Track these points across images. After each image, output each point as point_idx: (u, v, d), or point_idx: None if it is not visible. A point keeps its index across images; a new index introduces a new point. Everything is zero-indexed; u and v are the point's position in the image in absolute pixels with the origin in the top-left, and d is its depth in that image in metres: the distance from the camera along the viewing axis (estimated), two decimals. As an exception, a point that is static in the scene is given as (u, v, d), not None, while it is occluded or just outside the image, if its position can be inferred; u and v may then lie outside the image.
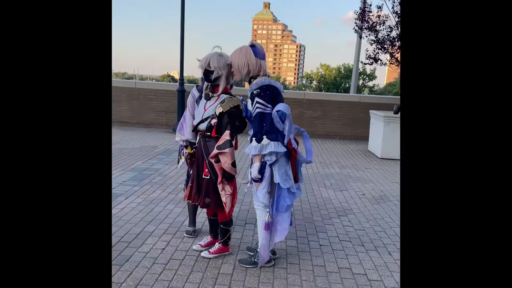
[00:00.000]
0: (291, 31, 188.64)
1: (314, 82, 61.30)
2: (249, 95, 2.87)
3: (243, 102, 2.98)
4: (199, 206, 3.17)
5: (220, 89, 2.95)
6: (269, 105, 2.80)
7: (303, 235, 3.74)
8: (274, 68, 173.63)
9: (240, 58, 2.83)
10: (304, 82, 64.57)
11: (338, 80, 54.86)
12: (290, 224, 3.05)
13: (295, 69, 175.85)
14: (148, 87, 10.62)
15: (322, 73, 59.84)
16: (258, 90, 2.81)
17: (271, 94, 2.82)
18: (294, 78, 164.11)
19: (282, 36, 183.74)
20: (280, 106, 2.80)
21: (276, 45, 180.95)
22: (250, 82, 2.92)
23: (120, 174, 5.49)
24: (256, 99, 2.79)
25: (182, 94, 9.30)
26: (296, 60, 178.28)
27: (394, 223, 4.21)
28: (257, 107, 2.78)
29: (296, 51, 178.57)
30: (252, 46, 2.88)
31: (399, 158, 7.72)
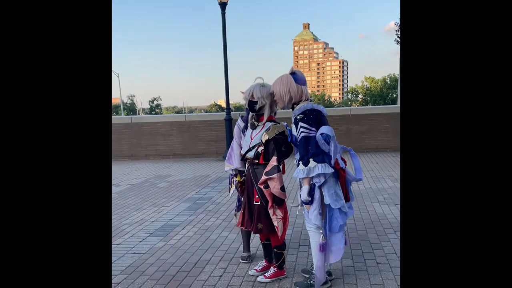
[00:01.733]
0: (332, 48, 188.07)
1: (360, 96, 60.37)
2: (292, 120, 2.96)
3: (287, 127, 3.07)
4: (252, 232, 3.26)
5: (265, 117, 3.06)
6: (313, 128, 2.85)
7: (359, 253, 3.70)
8: (318, 86, 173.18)
9: (281, 87, 2.93)
10: (349, 96, 63.77)
11: (384, 91, 53.70)
12: (345, 244, 3.05)
13: (339, 85, 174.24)
14: (197, 119, 11.04)
15: (367, 86, 58.88)
16: (302, 115, 2.88)
17: (314, 117, 2.88)
18: (339, 94, 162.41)
19: (324, 54, 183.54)
20: (324, 129, 2.85)
21: (318, 64, 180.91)
22: (293, 108, 3.00)
23: (176, 205, 5.72)
24: (300, 123, 2.86)
25: (229, 123, 9.59)
26: (339, 76, 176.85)
27: (455, 235, 4.05)
28: (302, 131, 2.85)
29: (339, 67, 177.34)
30: (293, 73, 2.98)
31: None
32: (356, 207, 5.14)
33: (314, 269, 3.04)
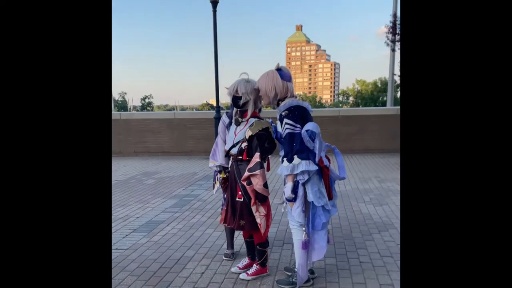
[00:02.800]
0: (324, 51, 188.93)
1: (351, 98, 60.71)
2: (278, 117, 2.94)
3: (272, 124, 3.05)
4: (234, 229, 3.23)
5: (249, 113, 3.04)
6: (298, 125, 2.84)
7: (342, 252, 3.70)
8: (310, 87, 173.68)
9: (267, 82, 2.91)
10: (340, 98, 64.06)
11: (375, 94, 54.06)
12: (328, 242, 3.04)
13: (331, 87, 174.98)
14: (186, 117, 10.98)
15: (358, 88, 59.23)
16: (287, 112, 2.87)
17: (299, 114, 2.87)
18: (330, 96, 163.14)
19: (316, 56, 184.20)
20: (309, 126, 2.84)
21: (310, 65, 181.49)
22: (278, 105, 2.99)
23: (162, 202, 5.67)
24: (285, 120, 2.85)
25: (219, 121, 9.54)
26: (331, 78, 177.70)
27: (438, 236, 4.07)
28: (287, 128, 2.84)
29: (331, 69, 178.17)
30: (278, 69, 2.96)
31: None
32: (341, 207, 5.14)
33: (296, 267, 3.02)
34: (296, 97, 3.01)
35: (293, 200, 2.89)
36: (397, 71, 12.04)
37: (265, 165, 3.05)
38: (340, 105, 63.27)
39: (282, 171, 2.87)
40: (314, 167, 2.84)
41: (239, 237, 3.92)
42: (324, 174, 2.94)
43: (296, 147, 2.82)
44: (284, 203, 3.05)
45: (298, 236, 2.97)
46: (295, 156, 2.82)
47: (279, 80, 2.90)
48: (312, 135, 2.84)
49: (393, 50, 10.72)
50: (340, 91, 78.53)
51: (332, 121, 10.26)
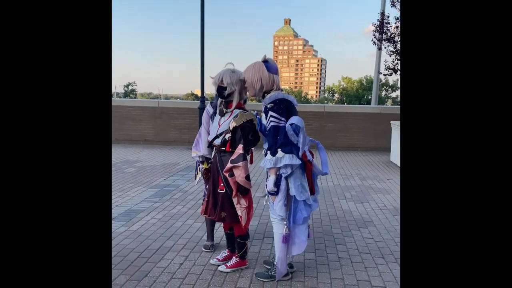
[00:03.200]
0: (311, 46, 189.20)
1: (336, 95, 61.07)
2: (263, 109, 2.91)
3: (257, 116, 3.02)
4: (215, 220, 3.21)
5: (234, 104, 3.00)
6: (283, 119, 2.82)
7: (322, 247, 3.71)
8: (296, 82, 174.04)
9: (253, 74, 2.88)
10: (326, 95, 64.37)
11: (360, 92, 54.51)
12: (308, 237, 3.04)
13: (317, 83, 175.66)
14: (170, 106, 10.86)
15: (344, 85, 59.59)
16: (272, 104, 2.84)
17: (284, 107, 2.85)
18: (316, 92, 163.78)
19: (303, 51, 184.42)
20: (294, 120, 2.83)
21: (297, 60, 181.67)
22: (263, 97, 2.96)
23: (142, 191, 5.60)
24: (270, 113, 2.82)
25: (203, 111, 9.44)
26: (317, 74, 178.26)
27: (416, 234, 4.12)
28: (271, 121, 2.82)
29: (318, 65, 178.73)
30: (265, 61, 2.93)
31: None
32: (323, 203, 5.17)
33: (276, 260, 3.02)
34: (282, 90, 2.99)
35: (275, 193, 2.88)
36: (382, 69, 12.10)
37: (248, 157, 3.02)
38: (326, 101, 63.65)
39: (265, 164, 2.85)
40: (297, 161, 2.83)
41: (219, 229, 3.90)
42: (307, 168, 2.94)
43: (280, 140, 2.80)
44: (266, 196, 3.03)
45: (279, 229, 2.97)
46: (279, 150, 2.80)
47: (266, 72, 2.87)
48: (296, 129, 2.83)
49: (379, 48, 10.75)
50: (326, 88, 78.91)
51: (317, 117, 10.29)
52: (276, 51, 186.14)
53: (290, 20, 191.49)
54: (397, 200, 5.44)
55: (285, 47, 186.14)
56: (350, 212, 4.83)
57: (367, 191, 5.96)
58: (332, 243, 3.84)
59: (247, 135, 2.94)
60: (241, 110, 3.01)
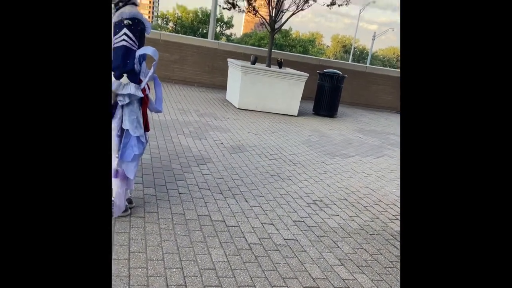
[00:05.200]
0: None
1: (171, 24, 58.86)
2: (114, 20, 2.56)
3: None
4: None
5: None
6: (137, 43, 2.59)
7: (162, 183, 3.68)
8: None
9: None
10: (159, 22, 61.36)
11: (195, 25, 53.73)
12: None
13: (150, 7, 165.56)
14: None
15: (179, 15, 57.68)
16: (130, 22, 2.55)
17: (140, 31, 2.61)
18: (149, 17, 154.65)
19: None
20: (149, 50, 2.62)
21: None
22: (117, 5, 2.61)
23: None
24: (125, 30, 2.53)
25: None
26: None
27: (251, 171, 4.44)
28: (124, 39, 2.54)
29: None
30: None
31: (256, 110, 7.89)
32: (161, 137, 5.07)
33: (114, 196, 2.86)
34: (137, 5, 2.69)
35: None
36: (221, 2, 11.79)
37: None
38: (159, 28, 60.75)
39: None
40: (140, 94, 2.66)
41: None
42: (143, 103, 2.79)
43: (129, 65, 2.58)
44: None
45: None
46: (125, 75, 2.58)
47: None
48: (142, 58, 2.65)
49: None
50: (159, 14, 74.96)
51: (152, 45, 9.69)
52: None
53: None
54: (233, 139, 5.71)
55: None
56: (189, 148, 4.88)
57: (205, 128, 6.07)
58: (172, 178, 3.83)
59: None
60: None
